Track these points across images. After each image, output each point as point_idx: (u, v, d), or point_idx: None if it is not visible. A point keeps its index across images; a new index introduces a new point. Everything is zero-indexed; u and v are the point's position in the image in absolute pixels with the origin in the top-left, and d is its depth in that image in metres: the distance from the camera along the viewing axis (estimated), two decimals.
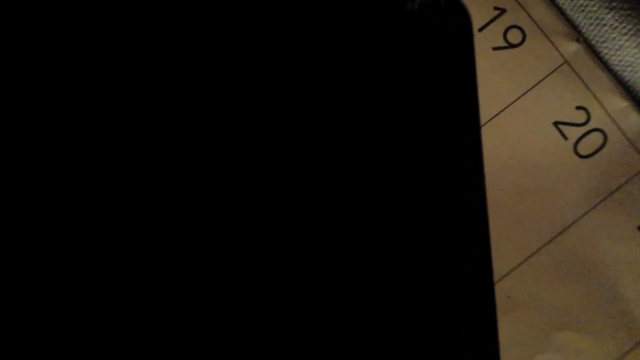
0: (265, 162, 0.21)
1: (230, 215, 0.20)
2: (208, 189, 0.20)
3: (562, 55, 0.26)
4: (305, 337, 0.19)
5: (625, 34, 0.25)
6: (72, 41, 0.21)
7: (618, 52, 0.26)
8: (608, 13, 0.26)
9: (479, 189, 0.23)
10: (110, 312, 0.19)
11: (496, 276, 0.24)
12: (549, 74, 0.26)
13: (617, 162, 0.25)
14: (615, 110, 0.25)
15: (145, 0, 0.21)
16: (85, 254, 0.19)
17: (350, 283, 0.20)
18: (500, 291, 0.24)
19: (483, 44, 0.26)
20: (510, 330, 0.23)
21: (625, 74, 0.26)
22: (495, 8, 0.26)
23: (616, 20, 0.26)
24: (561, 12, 0.26)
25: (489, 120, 0.25)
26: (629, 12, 0.25)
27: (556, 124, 0.26)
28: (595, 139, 0.25)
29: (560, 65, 0.26)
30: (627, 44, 0.25)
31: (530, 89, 0.26)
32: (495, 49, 0.26)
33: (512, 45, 0.26)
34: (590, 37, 0.26)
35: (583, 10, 0.26)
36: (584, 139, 0.25)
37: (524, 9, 0.26)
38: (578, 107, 0.26)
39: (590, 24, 0.26)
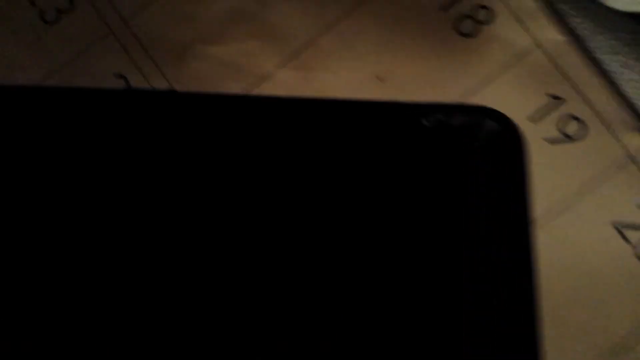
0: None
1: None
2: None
3: (625, 149, 0.24)
4: None
5: None
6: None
7: None
8: None
9: (530, 297, 0.21)
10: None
11: None
12: (611, 170, 0.24)
13: None
14: None
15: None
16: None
17: None
18: None
19: (535, 135, 0.24)
20: None
21: None
22: (551, 96, 0.24)
23: None
24: (625, 101, 0.24)
25: (541, 220, 0.23)
26: None
27: (617, 226, 0.23)
28: None
29: (624, 160, 0.24)
30: None
31: (589, 186, 0.23)
32: (550, 142, 0.24)
33: (569, 138, 0.24)
34: None
35: None
36: None
37: (583, 97, 0.24)
38: None
39: None
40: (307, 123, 0.21)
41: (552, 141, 0.24)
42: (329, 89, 0.24)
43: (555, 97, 0.24)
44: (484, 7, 0.25)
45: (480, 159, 0.21)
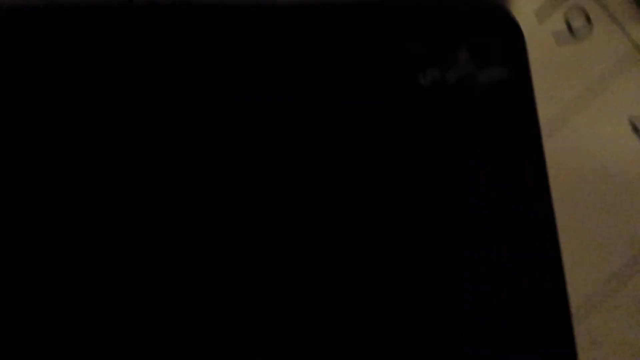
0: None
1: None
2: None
3: (634, 42, 0.22)
4: None
5: None
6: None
7: None
8: None
9: (546, 210, 0.20)
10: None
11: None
12: (621, 65, 0.22)
13: None
14: None
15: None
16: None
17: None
18: (579, 328, 0.20)
19: (542, 31, 0.22)
20: None
21: None
22: None
23: None
24: None
25: (551, 125, 0.22)
26: None
27: (633, 120, 0.22)
28: None
29: (633, 54, 0.22)
30: None
31: (600, 85, 0.22)
32: (557, 40, 0.22)
33: (575, 34, 0.22)
34: None
35: None
36: None
37: None
38: None
39: None
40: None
41: (559, 38, 0.22)
42: None
43: None
44: None
45: (478, 57, 0.20)
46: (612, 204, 0.21)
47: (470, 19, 0.21)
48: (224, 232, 0.19)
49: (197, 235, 0.19)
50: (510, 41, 0.21)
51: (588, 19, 0.22)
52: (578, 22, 0.22)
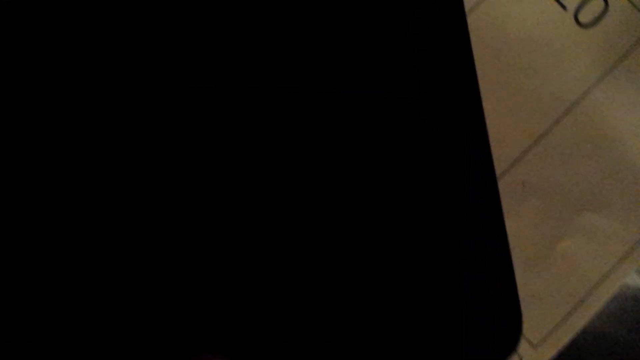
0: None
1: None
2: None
3: None
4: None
5: None
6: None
7: None
8: None
9: (469, 72, 0.21)
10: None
11: (506, 163, 0.23)
12: None
13: (621, 28, 0.24)
14: None
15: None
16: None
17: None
18: (513, 178, 0.23)
19: None
20: (528, 218, 0.23)
21: None
22: None
23: None
24: None
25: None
26: None
27: None
28: (595, 6, 0.24)
29: None
30: None
31: None
32: None
33: None
34: None
35: None
36: (584, 7, 0.24)
37: None
38: None
39: None
40: None
41: None
42: None
43: None
44: None
45: None
46: (534, 67, 0.24)
47: None
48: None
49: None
50: None
51: None
52: None
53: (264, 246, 0.19)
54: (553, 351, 0.22)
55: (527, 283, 0.22)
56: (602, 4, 0.24)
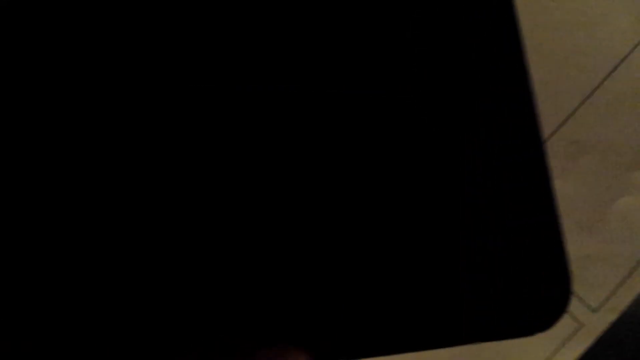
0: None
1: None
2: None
3: None
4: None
5: None
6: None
7: None
8: None
9: (512, 31, 0.20)
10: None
11: (557, 121, 0.23)
12: None
13: None
14: None
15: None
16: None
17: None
18: (565, 137, 0.23)
19: None
20: (583, 177, 0.22)
21: None
22: None
23: None
24: None
25: None
26: None
27: None
28: None
29: None
30: None
31: None
32: None
33: None
34: None
35: None
36: None
37: None
38: None
39: None
40: None
41: None
42: None
43: None
44: None
45: None
46: (579, 23, 0.23)
47: None
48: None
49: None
50: None
51: None
52: None
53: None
54: (614, 315, 0.22)
55: (582, 245, 0.22)
56: None
